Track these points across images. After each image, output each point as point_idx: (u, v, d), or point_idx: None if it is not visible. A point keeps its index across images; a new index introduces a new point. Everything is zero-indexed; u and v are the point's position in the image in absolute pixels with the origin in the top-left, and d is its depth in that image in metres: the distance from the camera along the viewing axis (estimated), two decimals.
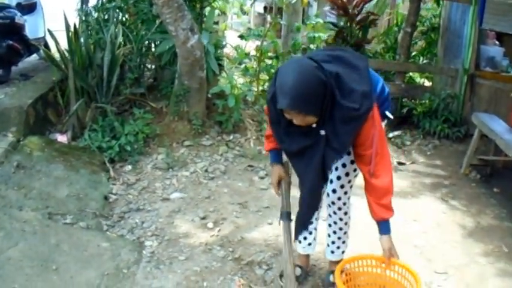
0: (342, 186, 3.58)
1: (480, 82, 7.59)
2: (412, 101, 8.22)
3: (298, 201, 3.41)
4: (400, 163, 6.75)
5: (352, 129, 2.99)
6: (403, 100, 8.20)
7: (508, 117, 6.18)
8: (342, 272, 3.30)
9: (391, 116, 3.44)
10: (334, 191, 3.60)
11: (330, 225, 3.81)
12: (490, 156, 6.42)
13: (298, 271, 3.91)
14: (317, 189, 3.32)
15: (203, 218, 4.85)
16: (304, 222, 3.51)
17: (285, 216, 3.41)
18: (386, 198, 3.17)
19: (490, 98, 7.41)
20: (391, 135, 7.56)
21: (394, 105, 7.90)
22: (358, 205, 5.30)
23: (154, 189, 5.39)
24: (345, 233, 3.77)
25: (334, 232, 3.78)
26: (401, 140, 7.48)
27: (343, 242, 3.81)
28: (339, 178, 3.56)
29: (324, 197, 3.61)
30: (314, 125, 2.99)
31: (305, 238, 3.85)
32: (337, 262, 3.80)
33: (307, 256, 4.05)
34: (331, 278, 3.85)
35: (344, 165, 3.52)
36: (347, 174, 3.55)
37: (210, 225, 4.74)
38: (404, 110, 8.03)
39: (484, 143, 6.59)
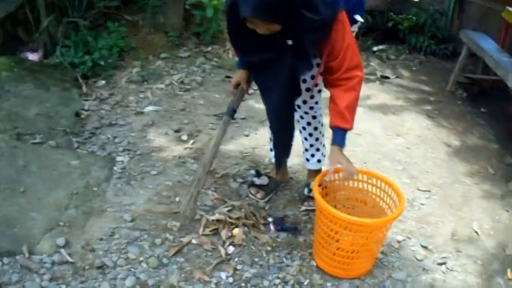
0: (308, 90, 3.40)
1: (470, 0, 7.31)
2: (399, 15, 7.94)
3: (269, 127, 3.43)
4: (384, 77, 6.62)
5: (317, 38, 2.86)
6: (389, 14, 7.95)
7: (498, 38, 5.98)
8: (319, 185, 3.15)
9: (361, 20, 3.24)
10: None
11: (300, 131, 3.67)
12: (477, 75, 6.25)
13: (265, 180, 3.83)
14: (286, 105, 3.20)
15: (177, 131, 4.71)
16: (284, 148, 3.44)
17: (229, 112, 3.35)
18: (347, 109, 3.00)
19: (480, 17, 7.12)
20: (375, 48, 7.50)
21: (380, 19, 7.74)
22: None
23: (128, 103, 5.22)
24: (317, 139, 3.62)
25: (306, 139, 3.65)
26: (386, 54, 7.38)
27: (317, 150, 3.67)
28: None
29: None
30: (279, 35, 2.82)
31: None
32: (315, 172, 3.73)
33: (282, 167, 3.92)
34: (305, 191, 3.78)
35: (312, 77, 3.33)
36: (316, 85, 3.38)
37: (184, 137, 4.61)
38: (390, 24, 7.80)
39: (471, 61, 6.47)
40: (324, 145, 3.69)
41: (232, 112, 3.36)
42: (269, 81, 3.11)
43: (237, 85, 3.40)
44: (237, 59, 3.53)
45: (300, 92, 3.21)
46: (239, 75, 3.38)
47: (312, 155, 3.70)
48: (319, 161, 3.73)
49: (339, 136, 3.08)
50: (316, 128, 3.54)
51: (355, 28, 3.26)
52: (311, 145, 3.65)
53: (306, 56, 2.93)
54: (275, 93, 3.13)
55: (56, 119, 4.73)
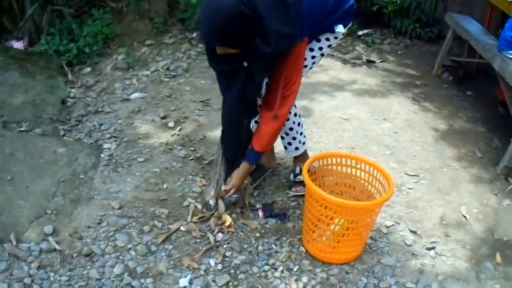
0: None
1: None
2: None
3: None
4: (369, 61, 6.57)
5: (266, 67, 3.05)
6: None
7: (484, 21, 5.96)
8: (308, 170, 3.14)
9: (342, 30, 3.23)
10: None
11: None
12: (463, 58, 6.24)
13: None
14: (236, 115, 3.33)
15: (164, 118, 4.68)
16: (228, 148, 3.50)
17: None
18: (269, 135, 3.27)
19: (465, 0, 7.09)
20: (360, 33, 7.39)
21: (364, 3, 7.66)
22: (326, 101, 5.20)
23: (114, 90, 5.17)
24: (291, 129, 3.59)
25: None
26: (371, 38, 7.29)
27: (294, 138, 3.65)
28: None
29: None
30: (236, 56, 2.98)
31: None
32: (299, 159, 3.75)
33: (270, 153, 3.93)
34: (291, 176, 3.77)
35: None
36: None
37: (171, 124, 4.57)
38: (375, 8, 7.69)
39: (457, 44, 6.42)
40: (301, 133, 3.66)
41: None
42: (225, 90, 3.28)
43: None
44: None
45: (254, 109, 3.40)
46: None
47: (289, 143, 3.68)
48: (296, 148, 3.70)
49: (250, 154, 3.37)
50: (287, 119, 3.51)
51: (334, 39, 3.30)
52: (286, 133, 3.63)
53: (255, 79, 3.07)
54: (228, 101, 3.30)
55: (42, 106, 4.69)
